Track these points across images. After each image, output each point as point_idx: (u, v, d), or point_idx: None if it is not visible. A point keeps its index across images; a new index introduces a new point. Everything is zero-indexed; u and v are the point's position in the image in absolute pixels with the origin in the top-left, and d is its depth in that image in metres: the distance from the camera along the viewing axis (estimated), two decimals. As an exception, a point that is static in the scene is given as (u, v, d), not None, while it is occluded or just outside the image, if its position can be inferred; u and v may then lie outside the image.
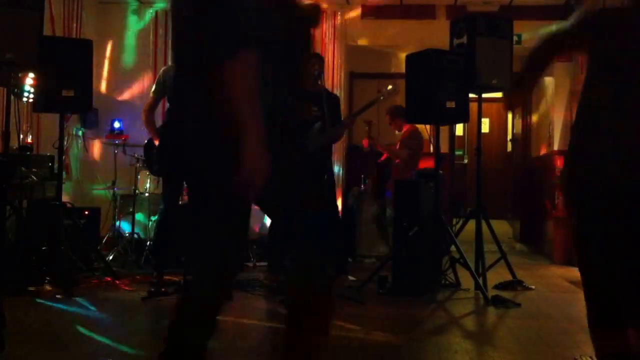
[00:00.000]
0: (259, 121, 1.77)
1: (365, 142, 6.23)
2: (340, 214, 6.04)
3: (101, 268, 5.09)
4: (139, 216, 6.34)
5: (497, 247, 5.13)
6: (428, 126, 5.95)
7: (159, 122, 5.15)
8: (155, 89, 4.95)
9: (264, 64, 1.82)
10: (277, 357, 2.11)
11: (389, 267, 4.93)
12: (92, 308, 4.07)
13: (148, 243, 5.87)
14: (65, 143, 4.96)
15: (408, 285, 4.70)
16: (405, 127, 6.31)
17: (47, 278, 4.56)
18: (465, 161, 9.69)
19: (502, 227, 8.24)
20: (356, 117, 5.17)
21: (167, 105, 2.06)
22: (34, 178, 5.04)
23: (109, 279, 4.89)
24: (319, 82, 4.83)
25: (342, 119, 5.17)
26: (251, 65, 1.77)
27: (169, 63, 7.12)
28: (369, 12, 7.21)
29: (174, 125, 2.02)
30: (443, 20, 6.93)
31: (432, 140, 5.33)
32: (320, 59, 5.14)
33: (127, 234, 6.08)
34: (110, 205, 6.27)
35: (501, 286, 4.99)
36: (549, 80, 7.43)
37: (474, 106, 5.19)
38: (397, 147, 6.30)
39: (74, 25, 6.65)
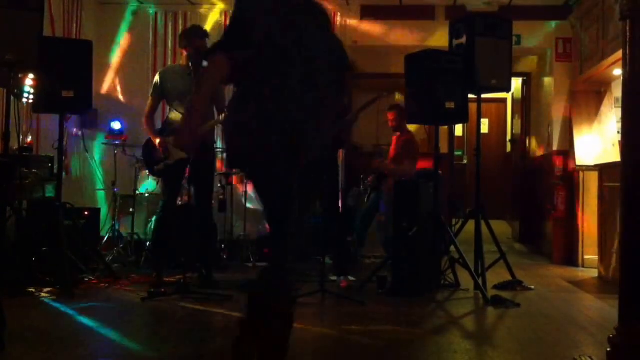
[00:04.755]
0: None
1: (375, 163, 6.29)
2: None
3: (101, 268, 5.09)
4: (139, 216, 6.35)
5: (496, 247, 5.14)
6: (427, 126, 5.95)
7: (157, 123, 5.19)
8: (153, 91, 4.96)
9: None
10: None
11: (389, 268, 4.94)
12: (92, 308, 4.07)
13: (147, 243, 5.88)
14: (64, 144, 4.96)
15: (408, 286, 4.70)
16: (402, 136, 6.18)
17: (47, 278, 4.56)
18: (465, 161, 9.70)
19: (501, 228, 8.24)
20: (359, 114, 5.18)
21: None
22: (34, 178, 5.05)
23: (108, 279, 4.90)
24: None
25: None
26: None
27: (169, 64, 7.15)
28: (369, 13, 7.21)
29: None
30: (442, 20, 6.93)
31: (431, 140, 5.34)
32: None
33: (127, 235, 6.10)
34: (110, 206, 6.28)
35: (500, 286, 4.99)
36: (548, 81, 7.44)
37: (473, 107, 5.19)
38: (392, 154, 6.21)
39: (74, 26, 6.66)
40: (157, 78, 4.95)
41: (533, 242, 7.89)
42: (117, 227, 6.18)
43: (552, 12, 7.02)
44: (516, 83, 8.69)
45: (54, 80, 4.55)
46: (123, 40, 7.38)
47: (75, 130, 6.63)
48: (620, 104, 4.61)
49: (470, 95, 5.13)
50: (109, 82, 7.33)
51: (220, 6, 7.30)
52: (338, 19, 7.29)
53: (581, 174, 6.44)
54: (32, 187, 5.04)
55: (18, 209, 4.65)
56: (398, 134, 6.22)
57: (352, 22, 7.30)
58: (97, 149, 7.21)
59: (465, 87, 4.95)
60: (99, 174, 7.16)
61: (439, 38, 5.77)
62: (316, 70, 2.39)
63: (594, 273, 5.76)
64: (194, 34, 4.84)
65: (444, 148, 5.97)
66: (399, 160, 6.12)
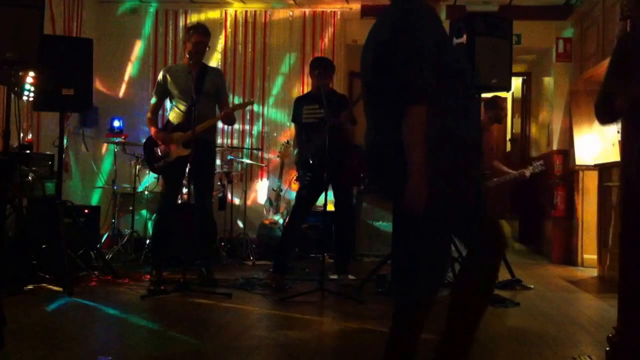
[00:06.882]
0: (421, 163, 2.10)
1: None
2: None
3: (101, 266, 5.09)
4: (139, 214, 6.35)
5: (496, 246, 5.13)
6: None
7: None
8: (157, 90, 4.97)
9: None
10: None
11: (388, 266, 4.93)
12: (92, 306, 4.08)
13: (147, 241, 5.89)
14: (65, 141, 4.96)
15: (407, 285, 4.69)
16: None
17: (47, 276, 4.56)
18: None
19: (501, 227, 8.23)
20: (350, 113, 5.17)
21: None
22: (34, 176, 5.05)
23: (108, 277, 4.90)
24: (322, 83, 4.86)
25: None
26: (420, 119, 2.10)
27: (169, 62, 7.16)
28: (369, 12, 7.21)
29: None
30: (443, 19, 6.93)
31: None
32: (322, 62, 5.19)
33: (127, 233, 6.10)
34: (110, 204, 6.28)
35: (500, 285, 4.99)
36: (548, 81, 7.45)
37: (473, 106, 5.19)
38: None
39: (74, 24, 6.67)
40: (160, 76, 4.96)
41: (532, 241, 7.90)
42: (116, 225, 6.18)
43: (552, 12, 7.03)
44: (516, 83, 8.69)
45: (54, 78, 4.56)
46: (123, 38, 7.38)
47: (73, 127, 6.63)
48: (620, 104, 4.61)
49: (470, 95, 5.12)
50: (109, 80, 7.34)
51: (220, 5, 7.30)
52: (338, 17, 7.30)
53: (581, 173, 6.44)
54: (32, 185, 5.05)
55: (18, 206, 4.65)
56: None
57: (352, 21, 7.31)
58: (97, 147, 7.22)
59: (465, 86, 4.95)
60: (98, 172, 7.16)
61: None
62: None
63: (593, 272, 5.76)
64: (194, 29, 4.88)
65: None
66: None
